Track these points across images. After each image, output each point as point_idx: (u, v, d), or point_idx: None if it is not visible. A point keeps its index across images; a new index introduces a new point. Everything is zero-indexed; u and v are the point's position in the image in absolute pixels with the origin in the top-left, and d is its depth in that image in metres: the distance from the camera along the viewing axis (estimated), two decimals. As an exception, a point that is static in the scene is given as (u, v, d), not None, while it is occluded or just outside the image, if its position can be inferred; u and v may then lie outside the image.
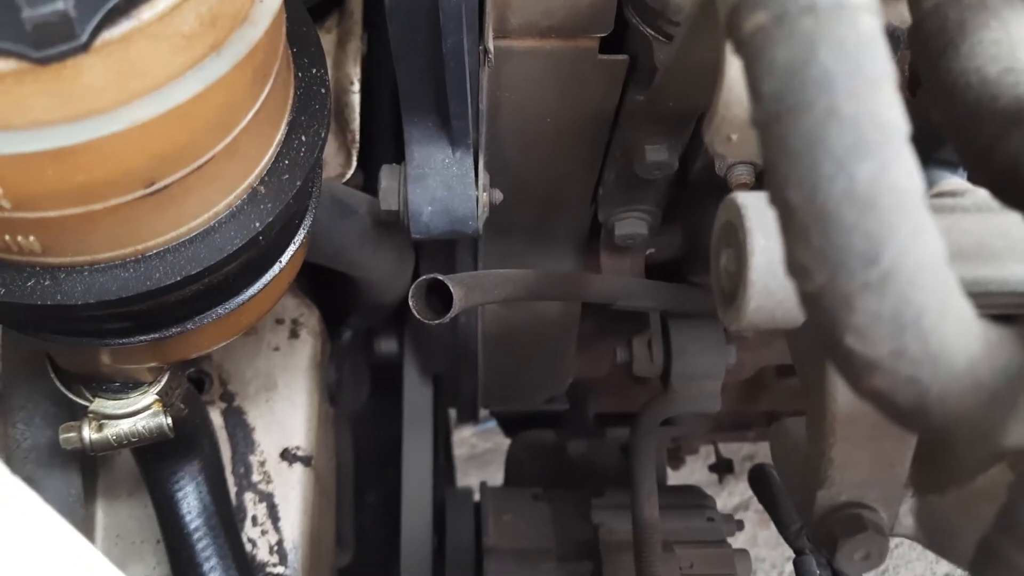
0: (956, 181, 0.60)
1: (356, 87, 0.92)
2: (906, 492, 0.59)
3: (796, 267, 0.35)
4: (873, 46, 0.33)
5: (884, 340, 0.33)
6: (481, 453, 2.41)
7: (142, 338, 0.58)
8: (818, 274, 0.34)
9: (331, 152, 0.91)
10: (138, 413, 0.66)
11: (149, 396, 0.67)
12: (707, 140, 0.54)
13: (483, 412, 2.08)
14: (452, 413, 1.65)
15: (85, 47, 0.37)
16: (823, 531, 0.57)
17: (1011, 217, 0.53)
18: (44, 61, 0.37)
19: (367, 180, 1.00)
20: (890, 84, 0.33)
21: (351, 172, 0.92)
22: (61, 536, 0.36)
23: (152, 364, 0.66)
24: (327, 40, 0.94)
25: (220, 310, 0.58)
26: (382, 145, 1.04)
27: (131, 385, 0.66)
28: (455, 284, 0.68)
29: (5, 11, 0.36)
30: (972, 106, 0.46)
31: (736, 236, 0.51)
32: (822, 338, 0.36)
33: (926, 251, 0.33)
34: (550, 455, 1.41)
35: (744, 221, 0.50)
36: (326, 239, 0.86)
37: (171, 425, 0.68)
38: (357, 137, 0.92)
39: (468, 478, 2.34)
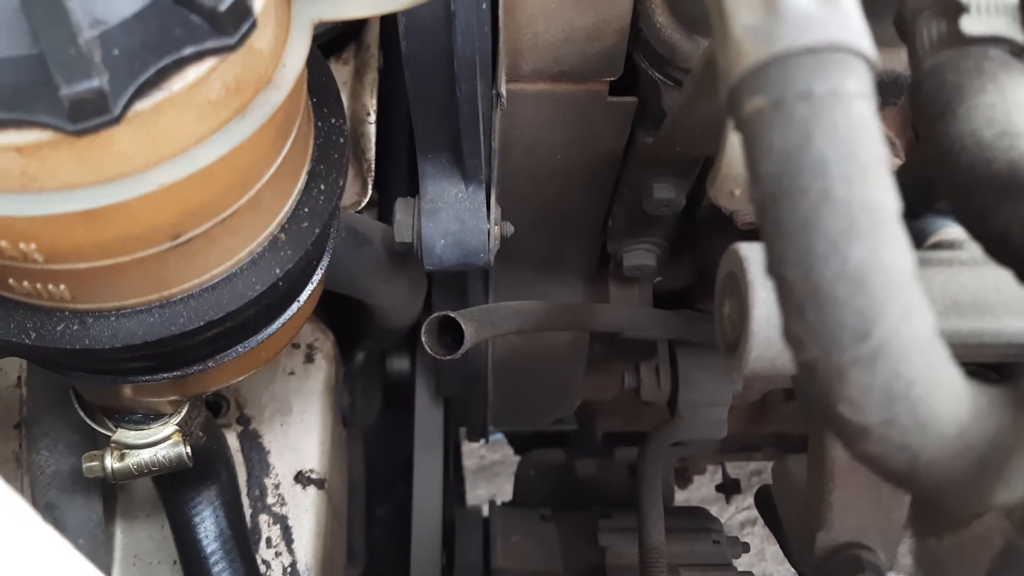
0: (955, 230, 0.61)
1: (372, 118, 0.94)
2: (904, 533, 0.60)
3: (792, 338, 0.36)
4: (866, 132, 0.35)
5: (875, 410, 0.35)
6: (490, 465, 2.43)
7: (164, 376, 0.60)
8: (812, 347, 0.35)
9: (347, 181, 0.93)
10: (159, 443, 0.68)
11: (169, 427, 0.69)
12: (711, 194, 0.56)
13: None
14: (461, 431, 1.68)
15: (118, 119, 0.40)
16: (823, 571, 0.59)
17: (1006, 273, 0.54)
18: (79, 133, 0.39)
19: (381, 200, 1.02)
20: (882, 168, 0.35)
21: (366, 200, 0.94)
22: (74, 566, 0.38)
23: (174, 397, 0.68)
24: (344, 71, 0.96)
25: (240, 348, 0.60)
26: (396, 171, 1.06)
27: (152, 416, 0.69)
28: (466, 321, 0.70)
29: (43, 87, 0.38)
30: (967, 170, 0.47)
31: (738, 287, 0.53)
32: (818, 405, 0.37)
33: (916, 326, 0.35)
34: (559, 474, 1.43)
35: (746, 274, 0.51)
36: (341, 268, 0.88)
37: (190, 454, 0.70)
38: (373, 166, 0.94)
39: (477, 490, 2.36)
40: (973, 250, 0.58)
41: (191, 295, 0.52)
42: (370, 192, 0.94)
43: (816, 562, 0.59)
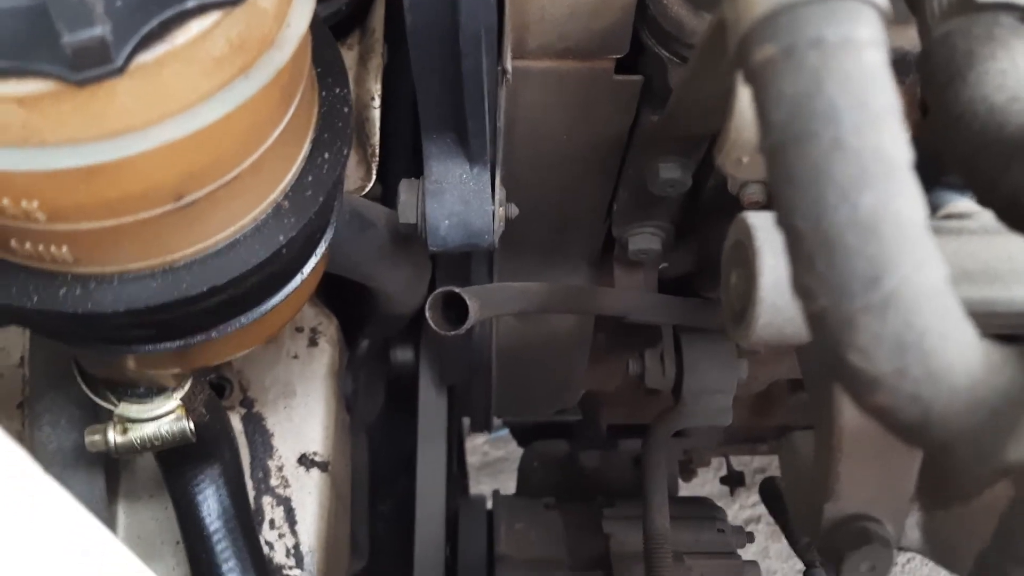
0: (963, 203, 0.61)
1: (376, 103, 0.94)
2: (912, 506, 0.60)
3: (801, 289, 0.36)
4: (878, 80, 0.35)
5: (886, 359, 0.35)
6: (493, 461, 2.43)
7: (167, 345, 0.59)
8: (822, 296, 0.35)
9: (351, 166, 0.93)
10: (162, 417, 0.68)
11: (173, 401, 0.68)
12: (719, 162, 0.55)
13: (496, 421, 2.09)
14: (465, 422, 1.67)
15: (120, 70, 0.39)
16: (829, 544, 0.58)
17: (1016, 240, 0.54)
18: (81, 83, 0.39)
19: (384, 192, 1.01)
20: (894, 117, 0.35)
21: (371, 185, 0.93)
22: (88, 529, 0.38)
23: (176, 370, 0.67)
24: (349, 57, 0.96)
25: (243, 319, 0.60)
26: (399, 158, 1.06)
27: (155, 390, 0.68)
28: (471, 296, 0.70)
29: (45, 35, 0.38)
30: (978, 135, 0.47)
31: (746, 255, 0.52)
32: (827, 357, 0.37)
33: (928, 276, 0.35)
34: (563, 466, 1.42)
35: (753, 241, 0.51)
36: (345, 251, 0.87)
37: (193, 430, 0.69)
38: (377, 151, 0.93)
39: (480, 486, 2.35)
40: (983, 220, 0.57)
41: (194, 260, 0.52)
42: (374, 177, 0.93)
43: (823, 535, 0.58)
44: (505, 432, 2.32)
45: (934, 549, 0.62)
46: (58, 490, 0.37)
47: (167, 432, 0.68)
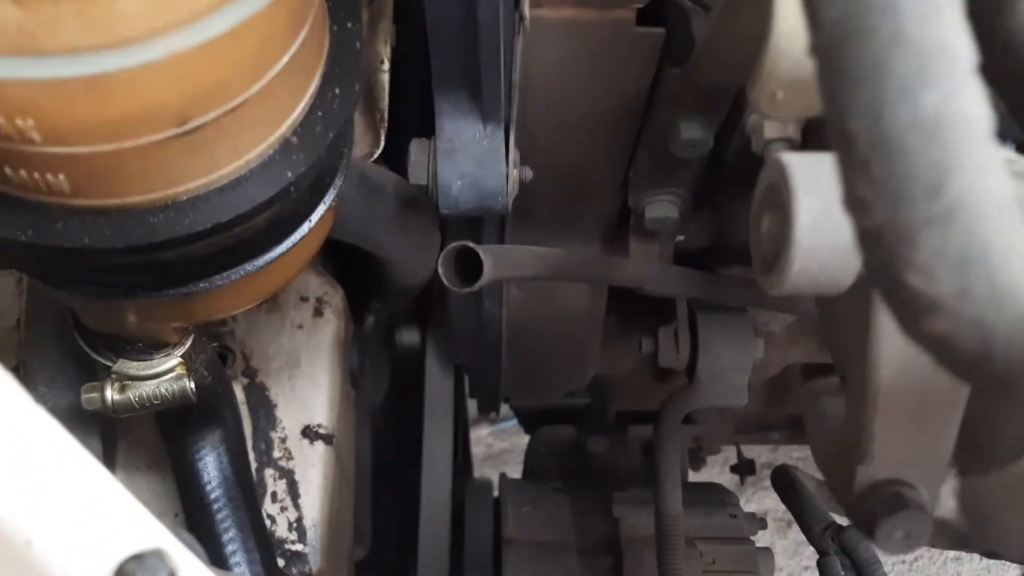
0: (1004, 152, 0.58)
1: (386, 66, 0.91)
2: (949, 471, 0.57)
3: (855, 201, 0.33)
4: (940, -32, 0.32)
5: (947, 278, 0.32)
6: (498, 453, 2.40)
7: (168, 292, 0.57)
8: (879, 208, 0.32)
9: (360, 132, 0.90)
10: (161, 375, 0.65)
11: (173, 359, 0.66)
12: (752, 98, 0.53)
13: (503, 410, 2.06)
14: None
15: (123, -32, 0.37)
16: (862, 509, 0.55)
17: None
18: (81, -19, 0.36)
19: (391, 161, 0.99)
20: (957, 9, 0.32)
21: (379, 151, 0.91)
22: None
23: (177, 324, 0.65)
24: (358, 18, 0.93)
25: (248, 267, 0.57)
26: (407, 127, 1.03)
27: (155, 347, 0.66)
28: (485, 253, 0.67)
29: (45, -71, 0.35)
30: (1028, 63, 0.44)
31: (780, 197, 0.50)
32: (880, 279, 0.34)
33: (993, 184, 0.32)
34: (570, 451, 1.39)
35: (789, 180, 0.48)
36: (353, 216, 0.85)
37: (194, 390, 0.67)
38: (386, 116, 0.91)
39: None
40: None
41: (198, 196, 0.49)
42: (383, 143, 0.91)
43: (855, 500, 0.55)
44: (510, 423, 2.30)
45: (970, 520, 0.59)
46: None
47: (167, 391, 0.66)
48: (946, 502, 0.58)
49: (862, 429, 0.54)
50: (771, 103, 0.52)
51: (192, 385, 0.66)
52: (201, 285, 0.57)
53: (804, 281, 0.49)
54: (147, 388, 0.65)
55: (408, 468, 1.32)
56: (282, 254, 0.59)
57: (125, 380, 0.65)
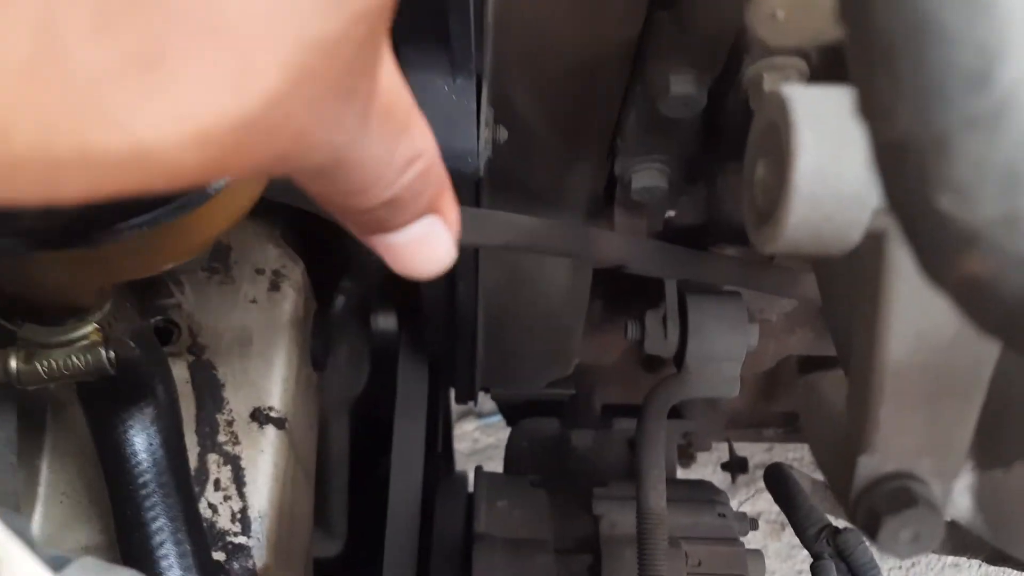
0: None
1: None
2: (965, 465, 0.49)
3: (873, 105, 0.26)
4: None
5: (991, 200, 0.24)
6: (484, 448, 2.33)
7: (71, 244, 0.49)
8: (903, 110, 0.25)
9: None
10: (74, 343, 0.58)
11: (88, 325, 0.58)
12: (748, 21, 0.45)
13: (489, 406, 1.98)
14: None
15: None
16: (864, 505, 0.48)
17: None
18: None
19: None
20: None
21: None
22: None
23: (93, 283, 0.57)
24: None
25: (162, 214, 0.50)
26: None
27: (68, 312, 0.58)
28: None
29: None
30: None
31: (778, 137, 0.42)
32: (903, 208, 0.27)
33: (1055, 77, 0.24)
34: (553, 445, 1.32)
35: (789, 115, 0.41)
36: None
37: (113, 360, 0.59)
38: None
39: (470, 473, 2.25)
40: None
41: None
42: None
43: (856, 495, 0.48)
44: (497, 418, 2.22)
45: (988, 521, 0.52)
46: None
47: (79, 361, 0.58)
48: (960, 500, 0.51)
49: (866, 414, 0.46)
50: (770, 26, 0.44)
51: (111, 355, 0.59)
52: (106, 237, 0.49)
53: (804, 236, 0.42)
54: (57, 357, 0.57)
55: (388, 458, 1.25)
56: (210, 197, 0.51)
57: (32, 347, 0.57)
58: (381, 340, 1.30)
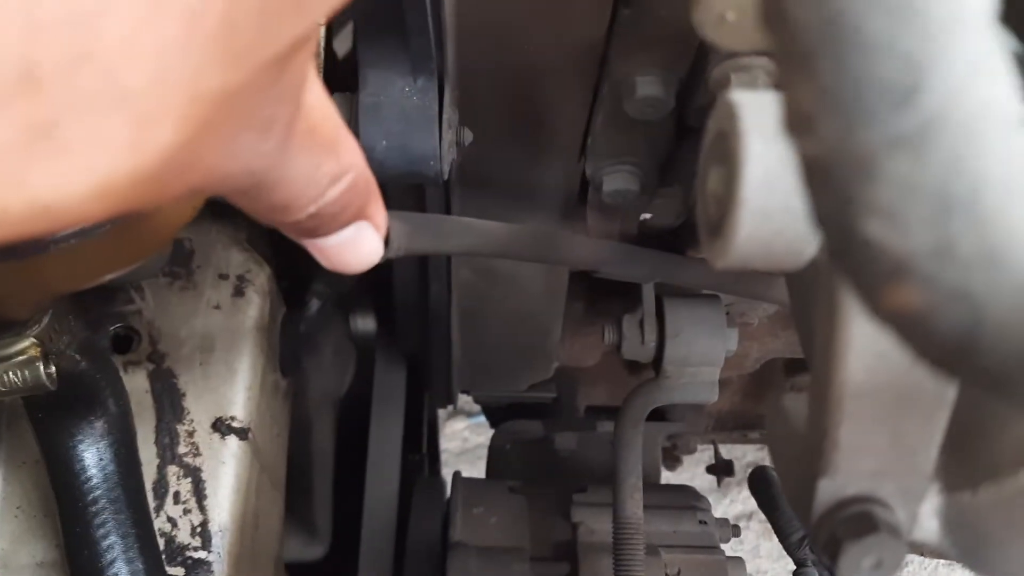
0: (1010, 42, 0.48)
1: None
2: (930, 487, 0.47)
3: (796, 117, 0.23)
4: None
5: (921, 227, 0.22)
6: (473, 447, 2.31)
7: (4, 256, 0.47)
8: (826, 124, 0.22)
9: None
10: (10, 359, 0.56)
11: (24, 340, 0.56)
12: (696, 22, 0.43)
13: (475, 406, 1.96)
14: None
15: None
16: (824, 531, 0.46)
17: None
18: None
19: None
20: None
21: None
22: None
23: (27, 296, 0.55)
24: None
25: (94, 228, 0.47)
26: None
27: (3, 326, 0.56)
28: (398, 220, 0.57)
29: None
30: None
31: (728, 146, 0.40)
32: (828, 230, 0.25)
33: (991, 92, 0.22)
34: (536, 448, 1.30)
35: (738, 123, 0.38)
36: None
37: (53, 375, 0.57)
38: (322, 70, 0.81)
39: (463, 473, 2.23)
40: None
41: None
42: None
43: (816, 520, 0.46)
44: (484, 418, 2.20)
45: (956, 544, 0.49)
46: None
47: (16, 377, 0.56)
48: (926, 523, 0.49)
49: (825, 435, 0.44)
50: (718, 29, 0.42)
51: (50, 370, 0.57)
52: (33, 249, 0.47)
53: (754, 250, 0.40)
54: (-8, 372, 0.55)
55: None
56: (130, 216, 0.49)
57: (-33, 362, 0.55)
58: (360, 341, 1.29)
